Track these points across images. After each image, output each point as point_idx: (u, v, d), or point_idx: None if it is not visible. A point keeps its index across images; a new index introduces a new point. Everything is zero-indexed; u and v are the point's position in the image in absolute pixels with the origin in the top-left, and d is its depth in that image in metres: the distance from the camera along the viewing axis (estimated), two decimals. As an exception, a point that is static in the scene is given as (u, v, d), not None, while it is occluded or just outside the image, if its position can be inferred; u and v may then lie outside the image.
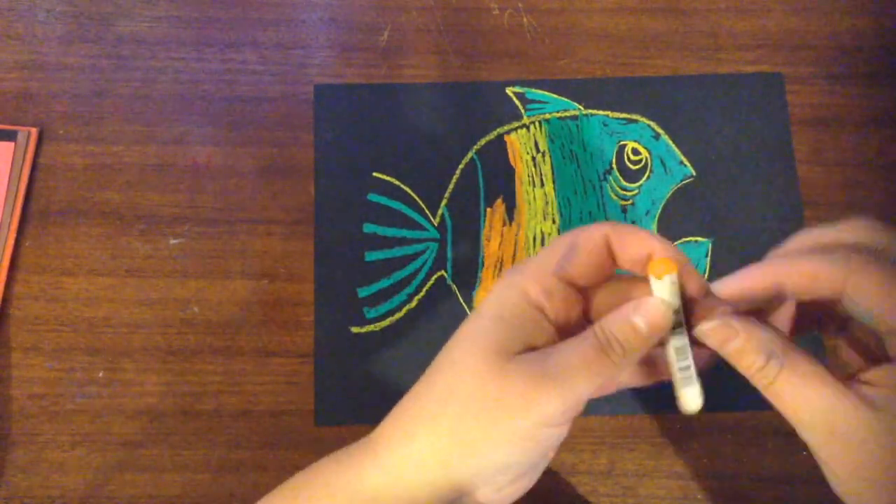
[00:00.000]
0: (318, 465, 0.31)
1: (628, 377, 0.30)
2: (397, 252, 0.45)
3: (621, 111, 0.48)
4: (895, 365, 0.24)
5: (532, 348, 0.28)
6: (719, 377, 0.43)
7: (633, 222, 0.46)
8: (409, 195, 0.46)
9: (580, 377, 0.27)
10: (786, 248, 0.29)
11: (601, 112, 0.48)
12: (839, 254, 0.26)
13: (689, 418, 0.40)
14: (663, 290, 0.27)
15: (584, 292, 0.29)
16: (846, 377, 0.25)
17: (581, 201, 0.46)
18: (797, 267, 0.27)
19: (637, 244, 0.28)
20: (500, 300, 0.29)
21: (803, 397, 0.25)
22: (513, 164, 0.47)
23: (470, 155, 0.47)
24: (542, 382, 0.26)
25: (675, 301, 0.27)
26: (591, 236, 0.28)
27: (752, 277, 0.27)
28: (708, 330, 0.27)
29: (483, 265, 0.45)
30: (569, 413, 0.27)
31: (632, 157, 0.47)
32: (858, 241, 0.27)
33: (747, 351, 0.26)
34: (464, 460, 0.28)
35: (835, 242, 0.28)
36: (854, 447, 0.24)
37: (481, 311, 0.29)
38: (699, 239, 0.46)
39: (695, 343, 0.27)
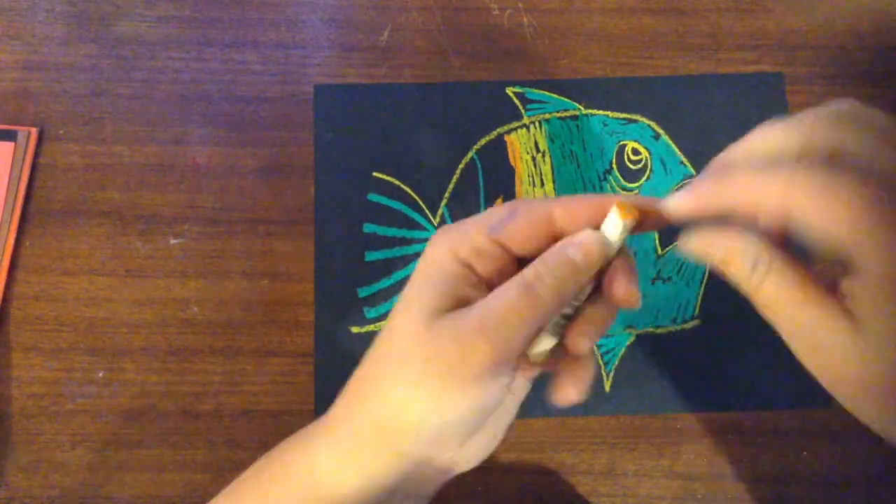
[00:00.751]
0: (280, 446, 0.32)
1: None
2: (397, 252, 0.45)
3: (621, 111, 0.48)
4: (872, 278, 0.23)
5: (465, 305, 0.27)
6: (720, 377, 0.43)
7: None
8: (409, 195, 0.46)
9: (506, 323, 0.26)
10: (730, 158, 0.26)
11: (601, 112, 0.48)
12: (783, 167, 0.23)
13: (689, 418, 0.40)
14: (611, 228, 0.27)
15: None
16: (829, 285, 0.24)
17: (581, 201, 0.46)
18: (732, 188, 0.25)
19: (585, 203, 0.28)
20: (429, 260, 0.28)
21: (787, 309, 0.24)
22: (513, 164, 0.47)
23: (470, 155, 0.47)
24: (468, 335, 0.26)
25: (616, 242, 0.27)
26: (534, 207, 0.28)
27: (698, 202, 0.26)
28: (693, 242, 0.26)
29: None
30: (502, 359, 0.26)
31: (632, 157, 0.47)
32: (816, 142, 0.24)
33: (732, 258, 0.25)
34: (404, 428, 0.27)
35: (790, 146, 0.25)
36: (838, 361, 0.24)
37: (415, 273, 0.29)
38: (699, 239, 0.46)
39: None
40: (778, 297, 0.24)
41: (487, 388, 0.27)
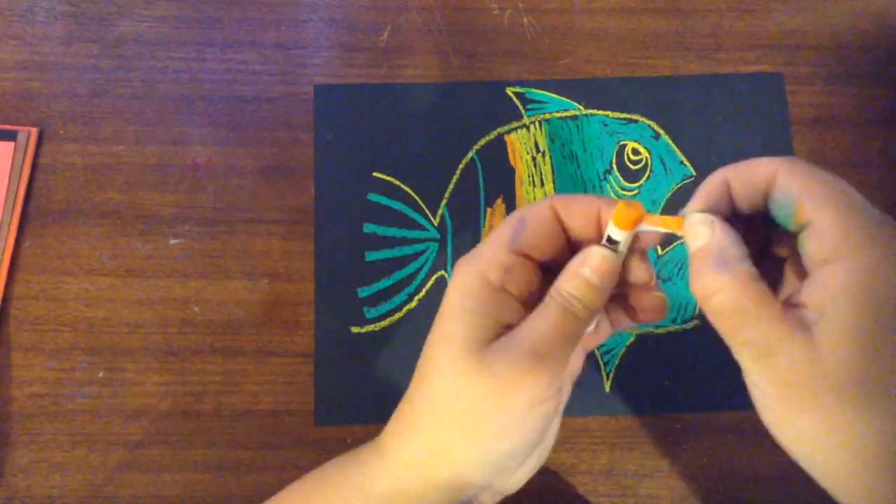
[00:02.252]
0: (325, 469, 0.31)
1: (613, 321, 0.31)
2: (397, 252, 0.45)
3: (621, 111, 0.48)
4: (815, 279, 0.24)
5: (505, 328, 0.28)
6: (720, 377, 0.43)
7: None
8: (409, 195, 0.46)
9: (556, 345, 0.27)
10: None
11: (601, 112, 0.48)
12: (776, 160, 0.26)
13: (689, 418, 0.40)
14: (615, 235, 0.27)
15: (548, 271, 0.29)
16: (785, 300, 0.25)
17: (581, 201, 0.46)
18: (738, 166, 0.27)
19: (584, 205, 0.28)
20: (462, 291, 0.28)
21: (745, 310, 0.24)
22: (513, 164, 0.47)
23: (470, 155, 0.47)
24: (522, 364, 0.26)
25: (623, 250, 0.28)
26: (538, 209, 0.29)
27: (707, 188, 0.27)
28: (688, 223, 0.26)
29: (483, 265, 0.45)
30: (555, 383, 0.27)
31: (632, 157, 0.47)
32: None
33: (702, 253, 0.25)
34: (466, 458, 0.28)
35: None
36: (784, 370, 0.23)
37: (448, 306, 0.29)
38: (699, 239, 0.46)
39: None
40: (730, 306, 0.24)
41: (544, 411, 0.28)
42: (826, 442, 0.23)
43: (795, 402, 0.24)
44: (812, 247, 0.24)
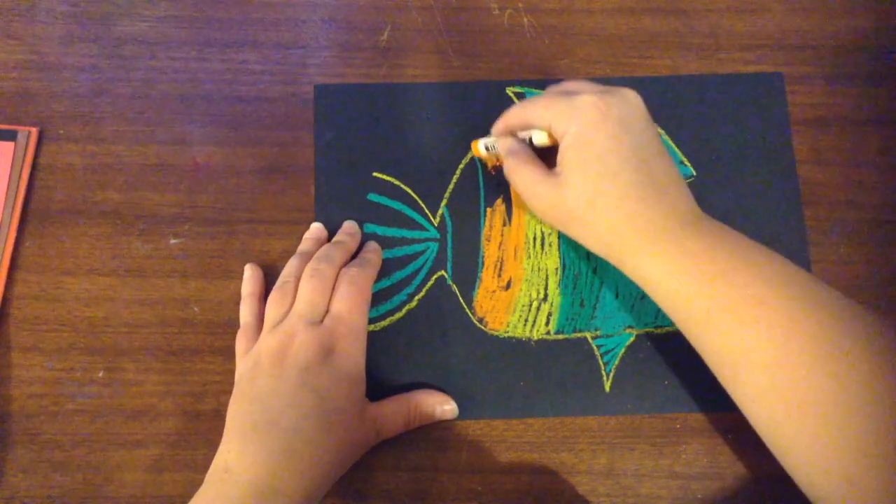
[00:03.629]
0: None
1: None
2: (397, 252, 0.45)
3: (621, 111, 0.48)
4: (563, 153, 0.39)
5: None
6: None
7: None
8: (409, 195, 0.46)
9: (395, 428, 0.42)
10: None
11: (601, 112, 0.48)
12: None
13: (689, 418, 0.40)
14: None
15: None
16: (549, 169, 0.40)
17: (581, 201, 0.46)
18: (518, 109, 0.42)
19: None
20: None
21: (521, 174, 0.40)
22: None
23: (470, 155, 0.47)
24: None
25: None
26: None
27: (506, 121, 0.43)
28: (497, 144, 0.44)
29: (483, 265, 0.45)
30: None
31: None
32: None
33: (501, 153, 0.42)
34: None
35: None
36: (548, 202, 0.39)
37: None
38: (699, 239, 0.46)
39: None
40: (517, 170, 0.41)
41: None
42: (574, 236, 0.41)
43: (551, 219, 0.41)
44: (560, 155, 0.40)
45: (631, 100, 0.39)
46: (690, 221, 0.38)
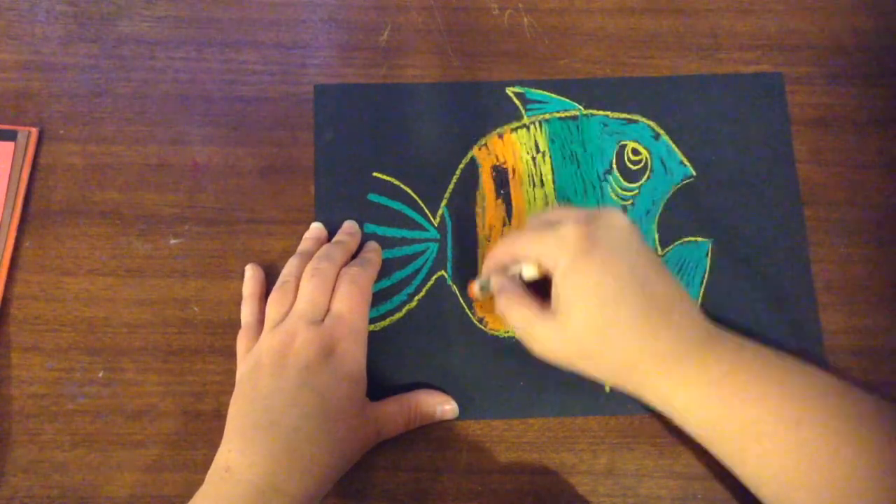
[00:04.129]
0: None
1: None
2: (397, 252, 0.45)
3: (621, 111, 0.48)
4: (557, 288, 0.37)
5: None
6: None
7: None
8: (409, 195, 0.46)
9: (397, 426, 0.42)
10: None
11: (601, 112, 0.48)
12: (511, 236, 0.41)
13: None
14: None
15: None
16: (544, 302, 0.39)
17: (581, 201, 0.46)
18: (505, 245, 0.41)
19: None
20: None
21: (515, 313, 0.39)
22: (513, 164, 0.47)
23: (470, 155, 0.47)
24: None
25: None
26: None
27: (494, 257, 0.41)
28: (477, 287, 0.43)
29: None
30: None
31: (632, 157, 0.47)
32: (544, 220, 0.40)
33: (494, 292, 0.41)
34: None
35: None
36: (548, 342, 0.38)
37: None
38: (699, 239, 0.46)
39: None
40: (510, 309, 0.39)
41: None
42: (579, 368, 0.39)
43: (555, 358, 0.39)
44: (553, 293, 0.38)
45: (617, 222, 0.37)
46: (705, 341, 0.36)
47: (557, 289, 0.37)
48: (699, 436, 0.37)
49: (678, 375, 0.36)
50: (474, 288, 0.43)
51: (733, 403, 0.35)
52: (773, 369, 0.36)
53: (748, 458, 0.35)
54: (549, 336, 0.38)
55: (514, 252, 0.40)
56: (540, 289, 0.39)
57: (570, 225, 0.37)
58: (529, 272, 0.40)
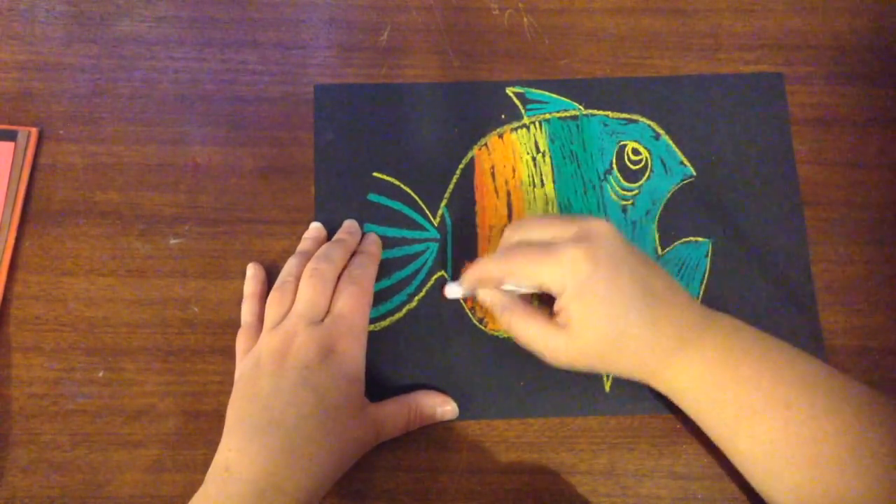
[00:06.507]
0: None
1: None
2: (397, 252, 0.45)
3: (621, 111, 0.48)
4: (560, 302, 0.38)
5: None
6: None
7: (634, 222, 0.46)
8: (409, 195, 0.46)
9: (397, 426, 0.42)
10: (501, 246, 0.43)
11: (601, 112, 0.48)
12: (502, 252, 0.41)
13: (690, 419, 0.40)
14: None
15: None
16: (550, 314, 0.40)
17: (581, 201, 0.46)
18: (495, 266, 0.41)
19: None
20: None
21: (525, 330, 0.40)
22: (513, 164, 0.47)
23: (470, 155, 0.47)
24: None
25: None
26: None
27: (481, 275, 0.41)
28: (479, 299, 0.42)
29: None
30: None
31: (632, 157, 0.47)
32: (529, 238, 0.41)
33: (492, 308, 0.41)
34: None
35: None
36: (559, 351, 0.39)
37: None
38: (699, 239, 0.46)
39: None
40: (519, 325, 0.40)
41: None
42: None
43: (570, 364, 0.40)
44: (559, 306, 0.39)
45: (607, 234, 0.38)
46: (705, 327, 0.38)
47: (568, 310, 0.38)
48: (696, 417, 0.39)
49: (679, 362, 0.38)
50: (449, 292, 0.43)
51: (728, 384, 0.37)
52: (766, 352, 0.38)
53: (740, 438, 0.37)
54: (563, 348, 0.39)
55: (511, 275, 0.40)
56: (530, 296, 0.41)
57: (569, 248, 0.38)
58: (525, 289, 0.41)
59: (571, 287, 0.38)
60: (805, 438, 0.35)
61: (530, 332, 0.40)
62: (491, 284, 0.41)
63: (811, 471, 0.35)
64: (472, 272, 0.42)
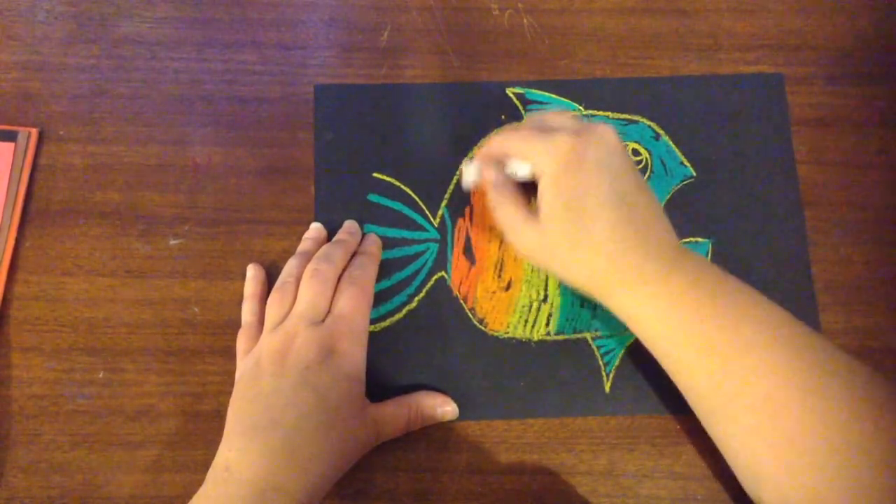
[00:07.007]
0: None
1: None
2: (397, 253, 0.45)
3: (621, 111, 0.48)
4: (539, 187, 0.39)
5: None
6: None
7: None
8: (409, 195, 0.46)
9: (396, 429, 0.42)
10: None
11: (601, 112, 0.48)
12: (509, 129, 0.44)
13: (690, 418, 0.40)
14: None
15: None
16: (531, 202, 0.40)
17: (581, 201, 0.46)
18: (499, 139, 0.42)
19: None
20: None
21: (504, 211, 0.40)
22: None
23: (470, 155, 0.47)
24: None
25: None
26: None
27: (489, 149, 0.42)
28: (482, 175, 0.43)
29: (476, 263, 0.45)
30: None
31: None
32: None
33: (486, 185, 0.42)
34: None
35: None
36: (529, 240, 0.39)
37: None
38: (699, 239, 0.46)
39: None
40: (502, 210, 0.40)
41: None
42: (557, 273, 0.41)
43: (531, 258, 0.42)
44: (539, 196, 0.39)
45: (608, 138, 0.38)
46: (673, 259, 0.38)
47: (541, 195, 0.38)
48: (655, 350, 0.39)
49: (643, 291, 0.37)
50: (466, 174, 0.44)
51: (690, 319, 0.37)
52: (733, 294, 0.38)
53: (699, 376, 0.37)
54: (529, 237, 0.39)
55: (507, 148, 0.41)
56: (532, 188, 0.40)
57: (562, 136, 0.38)
58: (523, 172, 0.40)
59: (550, 173, 0.38)
60: (762, 383, 0.35)
61: (508, 215, 0.40)
62: (494, 160, 0.41)
63: (762, 414, 0.35)
64: (484, 149, 0.42)
